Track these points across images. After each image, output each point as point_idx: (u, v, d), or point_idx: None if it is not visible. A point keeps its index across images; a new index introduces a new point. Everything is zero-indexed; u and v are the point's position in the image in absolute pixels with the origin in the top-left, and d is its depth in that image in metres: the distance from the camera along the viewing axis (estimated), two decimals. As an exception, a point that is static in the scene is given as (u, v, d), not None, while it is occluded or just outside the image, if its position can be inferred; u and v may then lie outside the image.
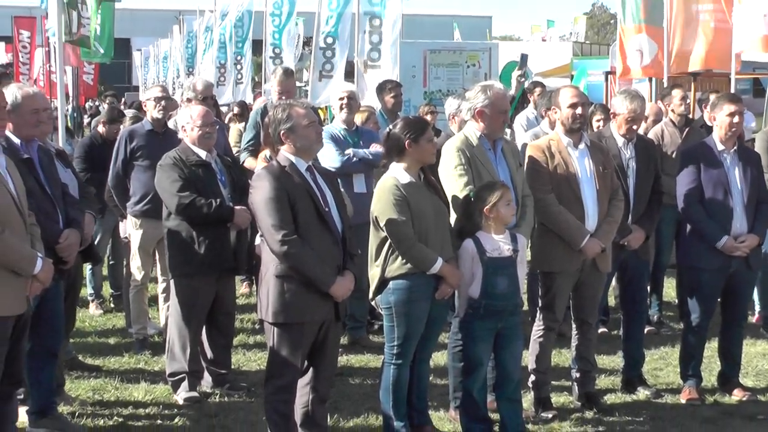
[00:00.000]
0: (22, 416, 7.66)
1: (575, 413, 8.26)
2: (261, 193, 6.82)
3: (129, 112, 15.06)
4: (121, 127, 11.30)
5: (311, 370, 7.11)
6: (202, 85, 11.01)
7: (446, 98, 12.55)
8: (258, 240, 8.75)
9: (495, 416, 7.73)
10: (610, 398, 8.67)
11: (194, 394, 8.65)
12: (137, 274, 10.15)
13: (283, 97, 10.56)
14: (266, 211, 6.76)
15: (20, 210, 6.59)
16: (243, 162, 10.61)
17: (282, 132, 6.87)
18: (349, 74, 16.41)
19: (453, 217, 7.64)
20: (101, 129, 11.80)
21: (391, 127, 7.65)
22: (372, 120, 10.99)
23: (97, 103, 27.36)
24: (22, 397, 7.54)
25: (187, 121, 8.64)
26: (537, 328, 8.26)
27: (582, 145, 8.12)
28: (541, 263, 8.26)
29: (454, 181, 7.67)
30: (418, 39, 22.70)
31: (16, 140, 7.29)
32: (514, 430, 7.53)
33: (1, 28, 33.55)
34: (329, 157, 9.55)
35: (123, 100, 34.89)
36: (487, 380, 7.69)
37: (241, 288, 12.19)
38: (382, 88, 12.21)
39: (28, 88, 7.68)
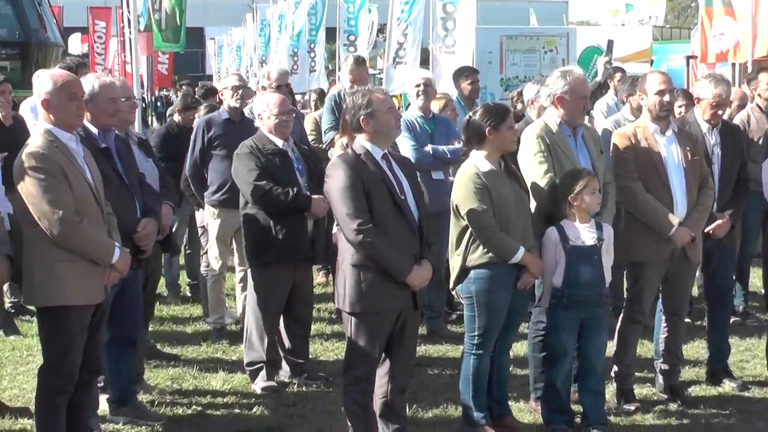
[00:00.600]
0: (103, 404, 7.80)
1: (658, 405, 8.16)
2: (336, 181, 6.79)
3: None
4: (196, 115, 11.34)
5: (390, 360, 7.07)
6: (277, 73, 11.01)
7: (523, 84, 12.48)
8: (335, 229, 8.77)
9: (576, 407, 7.67)
10: (694, 390, 8.54)
11: (272, 383, 8.69)
12: (215, 263, 10.19)
13: (355, 86, 10.56)
14: (341, 200, 6.74)
15: (97, 200, 6.65)
16: (328, 142, 10.66)
17: (362, 117, 6.83)
18: (424, 61, 16.38)
19: (533, 205, 7.56)
20: (177, 118, 11.83)
21: (471, 114, 7.60)
22: (449, 107, 10.91)
23: (170, 92, 27.48)
24: (102, 385, 7.63)
25: (264, 110, 8.65)
26: (622, 321, 8.16)
27: (669, 132, 7.98)
28: (628, 253, 8.10)
29: (534, 169, 7.62)
30: (493, 25, 22.54)
31: (94, 130, 7.33)
32: (596, 422, 7.44)
33: (78, 19, 33.79)
34: (404, 151, 9.48)
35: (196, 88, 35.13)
36: (571, 371, 7.63)
37: (318, 277, 12.20)
38: (458, 75, 12.16)
39: (105, 77, 7.73)
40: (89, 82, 7.31)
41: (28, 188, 6.50)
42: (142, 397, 8.31)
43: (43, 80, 6.72)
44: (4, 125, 9.92)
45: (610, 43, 13.86)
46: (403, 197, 6.83)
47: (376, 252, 6.68)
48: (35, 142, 6.59)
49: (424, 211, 7.05)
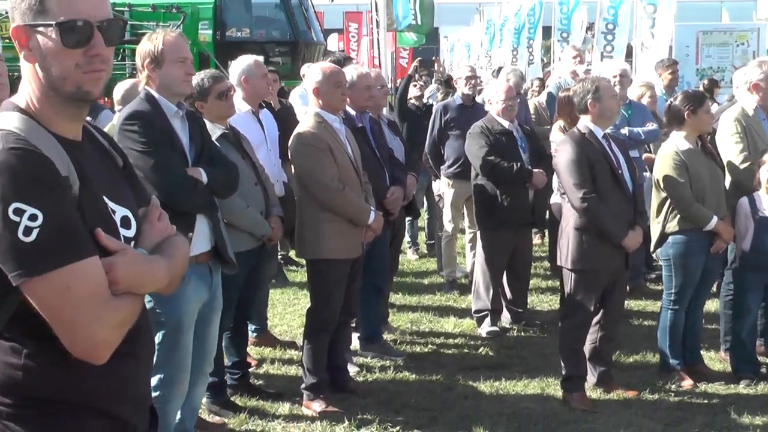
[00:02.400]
0: (355, 341, 7.98)
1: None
2: (565, 156, 6.78)
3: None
4: (434, 101, 11.41)
5: (602, 311, 7.02)
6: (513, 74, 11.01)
7: (718, 74, 12.11)
8: (553, 198, 8.74)
9: (762, 359, 7.48)
10: None
11: (495, 328, 8.74)
12: (448, 226, 10.29)
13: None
14: (568, 172, 6.72)
15: (357, 171, 6.82)
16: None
17: (589, 101, 6.78)
18: (627, 54, 16.10)
19: (728, 180, 7.40)
20: (414, 100, 11.81)
21: (671, 100, 7.50)
22: (650, 94, 10.66)
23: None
24: (354, 325, 7.78)
25: (493, 96, 8.68)
26: None
27: None
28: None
29: (730, 148, 7.46)
30: (689, 22, 21.94)
31: (352, 112, 7.47)
32: None
33: (335, 22, 34.34)
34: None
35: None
36: (756, 326, 7.42)
37: (535, 239, 12.14)
38: (660, 66, 11.90)
39: (363, 68, 7.87)
40: (349, 73, 7.45)
41: (300, 161, 6.71)
42: (387, 336, 8.46)
43: (315, 72, 6.92)
44: (273, 108, 10.21)
45: None
46: (620, 171, 6.77)
47: (597, 217, 6.65)
48: (307, 122, 6.78)
49: (636, 183, 6.98)
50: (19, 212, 2.26)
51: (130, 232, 2.61)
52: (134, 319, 2.50)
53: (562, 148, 6.87)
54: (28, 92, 2.52)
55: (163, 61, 5.27)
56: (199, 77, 6.43)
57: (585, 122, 6.84)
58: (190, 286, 5.13)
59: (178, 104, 5.37)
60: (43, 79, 2.47)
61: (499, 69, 15.93)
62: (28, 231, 2.26)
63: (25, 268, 2.28)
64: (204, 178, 5.33)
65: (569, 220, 6.84)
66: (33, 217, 2.26)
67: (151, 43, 5.27)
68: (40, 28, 2.43)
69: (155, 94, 5.29)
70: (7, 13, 18.06)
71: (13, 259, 2.28)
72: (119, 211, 2.59)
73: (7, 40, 16.62)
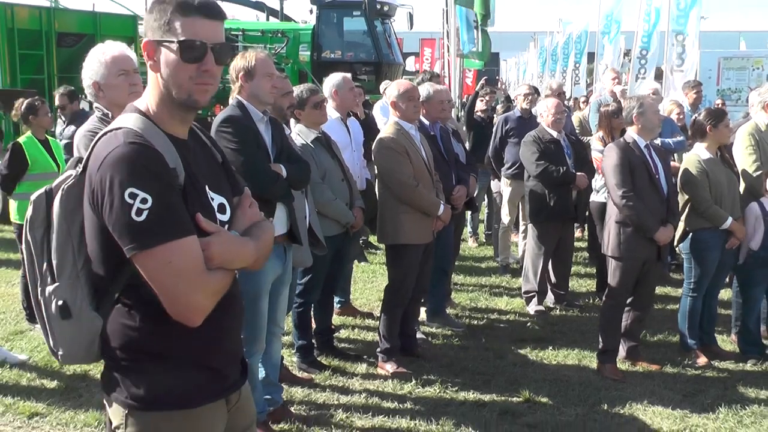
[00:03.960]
0: (422, 314, 8.00)
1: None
2: (610, 160, 6.75)
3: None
4: (495, 114, 11.40)
5: (635, 294, 6.96)
6: (556, 84, 10.96)
7: (735, 94, 11.88)
8: (592, 197, 8.68)
9: (766, 342, 7.37)
10: None
11: (541, 307, 8.71)
12: (505, 219, 10.28)
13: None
14: (612, 174, 6.69)
15: (429, 171, 6.86)
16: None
17: (634, 115, 6.73)
18: (657, 76, 15.88)
19: (742, 186, 7.30)
20: (480, 113, 11.77)
21: (696, 115, 7.45)
22: (678, 111, 10.50)
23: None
24: (423, 300, 7.79)
25: (544, 110, 8.62)
26: None
27: None
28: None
29: (745, 158, 7.37)
30: (711, 49, 21.63)
31: (426, 122, 7.48)
32: None
33: (412, 46, 34.40)
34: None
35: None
36: (761, 314, 7.35)
37: (576, 232, 12.04)
38: (686, 87, 11.72)
39: (438, 86, 7.86)
40: (425, 89, 7.47)
41: (381, 161, 6.77)
42: (449, 310, 8.48)
43: (393, 88, 6.96)
44: (359, 117, 10.28)
45: None
46: (657, 176, 6.70)
47: (634, 213, 6.59)
48: (388, 130, 6.83)
49: (672, 189, 6.89)
50: (133, 196, 2.34)
51: (225, 217, 2.68)
52: (225, 290, 2.56)
53: (609, 154, 6.83)
54: (148, 97, 2.62)
55: (254, 74, 5.36)
56: (298, 90, 6.52)
57: (630, 133, 6.81)
58: (268, 262, 5.22)
59: (263, 111, 5.46)
60: (163, 86, 2.57)
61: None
62: (139, 212, 2.34)
63: (136, 242, 2.37)
64: (284, 173, 5.41)
65: (611, 215, 6.82)
66: (144, 201, 2.34)
67: (244, 60, 5.36)
68: (166, 44, 2.53)
69: (245, 102, 5.39)
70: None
71: (127, 235, 2.37)
72: (217, 199, 2.67)
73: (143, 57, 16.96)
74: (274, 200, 5.34)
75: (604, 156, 6.94)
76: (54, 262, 2.55)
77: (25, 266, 2.65)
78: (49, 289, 2.56)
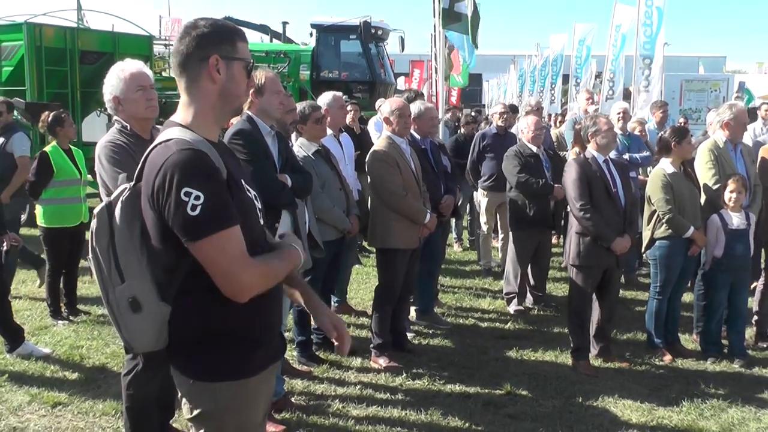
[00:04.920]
0: (412, 313, 7.95)
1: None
2: (569, 175, 6.74)
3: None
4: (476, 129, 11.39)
5: (602, 299, 6.95)
6: (535, 101, 10.93)
7: (696, 113, 11.89)
8: (569, 208, 8.64)
9: (724, 342, 7.33)
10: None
11: (520, 307, 8.68)
12: (483, 227, 10.21)
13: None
14: (571, 188, 6.67)
15: (417, 182, 6.82)
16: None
17: (590, 134, 6.70)
18: (626, 97, 15.91)
19: (703, 198, 7.28)
20: (463, 130, 11.76)
21: (662, 133, 7.43)
22: (640, 129, 10.49)
23: (458, 115, 27.67)
24: (412, 300, 7.75)
25: (525, 126, 8.58)
26: (761, 282, 7.73)
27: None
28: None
29: (705, 173, 7.36)
30: (674, 72, 21.75)
31: (417, 136, 7.44)
32: (738, 353, 7.13)
33: (403, 67, 34.38)
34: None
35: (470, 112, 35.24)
36: (722, 317, 7.30)
37: (553, 239, 12.01)
38: (654, 106, 11.71)
39: (428, 104, 7.85)
40: (417, 106, 7.44)
41: (374, 172, 6.73)
42: (437, 309, 8.44)
43: (386, 105, 6.92)
44: (355, 132, 10.24)
45: (741, 84, 13.16)
46: (614, 189, 6.67)
47: (591, 224, 6.56)
48: (380, 144, 6.80)
49: (629, 200, 6.84)
50: (187, 194, 2.47)
51: (260, 205, 2.87)
52: (274, 279, 2.73)
53: (569, 169, 6.81)
54: (185, 111, 2.73)
55: (264, 91, 5.36)
56: (301, 106, 6.49)
57: (589, 149, 6.79)
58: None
59: (270, 125, 5.42)
60: (219, 96, 2.72)
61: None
62: (194, 207, 2.47)
63: (191, 234, 2.50)
64: (289, 182, 5.38)
65: (572, 226, 6.80)
66: (197, 198, 2.47)
67: (255, 78, 5.32)
68: (237, 61, 2.72)
69: (254, 117, 5.37)
70: (159, 54, 18.09)
71: (184, 228, 2.50)
72: (252, 191, 2.85)
73: (158, 74, 16.90)
74: (280, 208, 5.30)
75: (565, 171, 6.91)
76: (121, 264, 2.66)
77: (94, 273, 2.74)
78: (120, 288, 2.66)
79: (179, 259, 2.59)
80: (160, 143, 2.63)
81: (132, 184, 2.69)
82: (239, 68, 2.73)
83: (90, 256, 2.74)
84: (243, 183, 2.77)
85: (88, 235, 2.81)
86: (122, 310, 2.67)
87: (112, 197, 2.73)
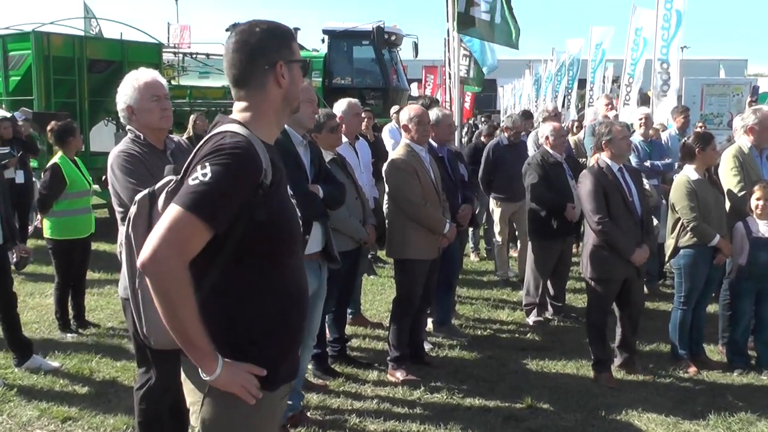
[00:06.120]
0: (429, 324, 7.94)
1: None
2: (585, 187, 6.71)
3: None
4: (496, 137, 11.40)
5: (625, 311, 6.93)
6: (552, 106, 10.96)
7: (717, 118, 11.87)
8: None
9: (752, 353, 7.29)
10: None
11: (540, 318, 8.67)
12: (498, 237, 10.27)
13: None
14: (588, 200, 6.65)
15: (437, 190, 6.81)
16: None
17: (603, 142, 6.69)
18: (645, 102, 15.86)
19: (728, 205, 7.26)
20: (483, 138, 11.78)
21: (686, 139, 7.42)
22: (656, 136, 10.48)
23: (472, 121, 27.46)
24: (429, 311, 7.73)
25: (547, 133, 8.56)
26: None
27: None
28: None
29: (730, 179, 7.32)
30: (693, 76, 21.76)
31: (435, 144, 7.44)
32: (766, 364, 7.08)
33: (416, 73, 34.39)
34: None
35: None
36: (749, 327, 7.25)
37: (573, 249, 11.98)
38: (675, 111, 11.66)
39: (445, 111, 7.86)
40: (434, 113, 7.45)
41: (392, 180, 6.73)
42: (455, 321, 8.43)
43: (405, 112, 6.92)
44: (369, 139, 10.25)
45: (756, 89, 13.07)
46: (631, 199, 6.65)
47: (610, 237, 6.55)
48: (399, 152, 6.80)
49: (646, 209, 6.83)
50: (203, 167, 2.46)
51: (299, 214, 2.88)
52: (170, 296, 2.52)
53: (583, 181, 6.77)
54: (246, 113, 2.71)
55: None
56: (316, 115, 6.48)
57: (603, 158, 6.76)
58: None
59: (302, 135, 5.42)
60: (282, 99, 2.74)
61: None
62: (195, 179, 2.46)
63: (179, 199, 2.45)
64: (321, 193, 5.37)
65: (589, 238, 6.77)
66: (204, 175, 2.45)
67: None
68: (295, 64, 2.75)
69: (286, 126, 5.35)
70: (168, 62, 18.00)
71: (180, 192, 2.48)
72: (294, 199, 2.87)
73: (169, 83, 16.95)
74: (311, 219, 5.30)
75: (580, 182, 6.88)
76: None
77: (123, 261, 2.78)
78: None
79: (213, 257, 2.53)
80: (218, 133, 2.62)
81: (179, 177, 2.67)
82: (298, 69, 2.77)
83: (122, 240, 2.77)
84: (288, 189, 2.80)
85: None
86: (147, 299, 2.64)
87: (157, 186, 2.77)
